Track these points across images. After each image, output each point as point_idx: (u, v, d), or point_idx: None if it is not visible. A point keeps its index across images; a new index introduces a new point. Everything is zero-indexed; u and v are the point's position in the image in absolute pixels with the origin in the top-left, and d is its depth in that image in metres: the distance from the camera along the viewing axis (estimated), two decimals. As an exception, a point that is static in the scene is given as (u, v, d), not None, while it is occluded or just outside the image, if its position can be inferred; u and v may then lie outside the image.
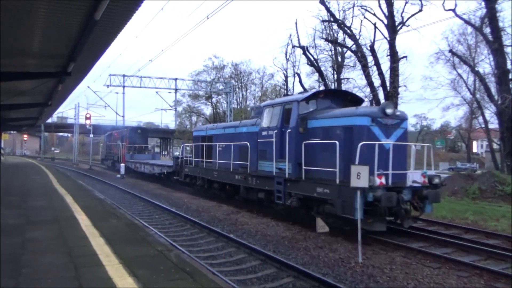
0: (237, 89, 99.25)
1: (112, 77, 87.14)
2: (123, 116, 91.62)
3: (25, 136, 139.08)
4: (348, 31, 49.40)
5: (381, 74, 44.91)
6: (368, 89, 48.78)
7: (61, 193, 22.93)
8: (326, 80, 61.10)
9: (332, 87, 62.70)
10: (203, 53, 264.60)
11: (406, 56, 44.80)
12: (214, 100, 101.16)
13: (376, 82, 46.98)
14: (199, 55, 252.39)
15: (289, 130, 21.75)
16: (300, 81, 63.68)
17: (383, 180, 17.83)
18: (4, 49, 19.19)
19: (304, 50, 57.27)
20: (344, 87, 62.72)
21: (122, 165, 52.29)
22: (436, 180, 19.83)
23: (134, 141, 61.30)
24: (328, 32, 59.14)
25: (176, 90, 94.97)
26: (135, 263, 11.26)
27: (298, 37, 77.86)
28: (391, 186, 18.31)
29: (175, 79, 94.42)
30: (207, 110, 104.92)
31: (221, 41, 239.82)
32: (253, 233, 19.72)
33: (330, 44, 61.73)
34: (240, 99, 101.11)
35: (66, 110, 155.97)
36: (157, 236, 14.43)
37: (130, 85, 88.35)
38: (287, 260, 15.41)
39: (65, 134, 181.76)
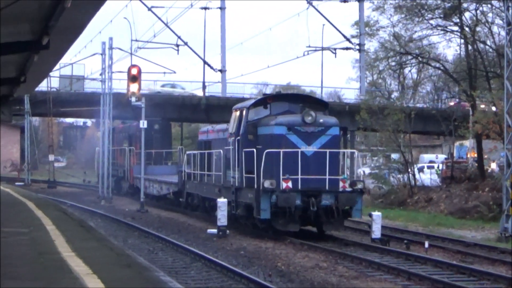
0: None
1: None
2: (221, 70, 49.77)
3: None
4: None
5: None
6: None
7: (79, 274, 9.66)
8: None
9: None
10: None
11: None
12: (467, 16, 39.34)
13: None
14: None
15: (238, 138, 23.29)
16: None
17: (289, 184, 21.04)
18: None
19: None
20: None
21: (223, 201, 23.03)
22: (359, 186, 22.26)
23: (148, 143, 39.47)
24: None
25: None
26: None
27: None
28: (304, 190, 21.22)
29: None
30: (449, 51, 56.94)
31: None
32: None
33: None
34: None
35: (81, 60, 57.05)
36: None
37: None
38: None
39: (80, 121, 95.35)
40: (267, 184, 20.89)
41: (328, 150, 21.60)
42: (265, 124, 22.73)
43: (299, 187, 21.19)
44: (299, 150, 21.38)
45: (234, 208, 23.08)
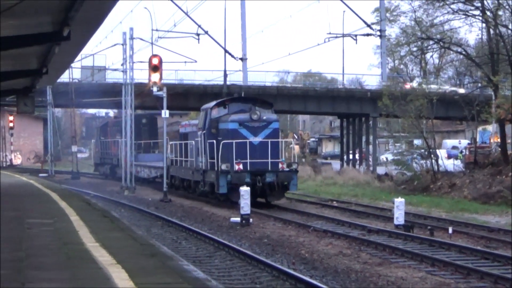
0: None
1: None
2: (241, 59, 48.98)
3: (11, 117, 69.39)
4: None
5: None
6: None
7: (103, 264, 9.87)
8: None
9: None
10: None
11: None
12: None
13: None
14: None
15: (204, 131, 29.80)
16: None
17: (241, 166, 27.42)
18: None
19: None
20: None
21: (245, 190, 23.03)
22: (294, 166, 28.96)
23: (138, 135, 45.47)
24: None
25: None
26: None
27: None
28: (252, 170, 27.57)
29: None
30: (471, 36, 57.17)
31: None
32: None
33: None
34: None
35: (102, 51, 63.22)
36: None
37: None
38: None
39: (102, 112, 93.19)
40: (223, 167, 27.43)
41: (269, 140, 28.15)
42: (223, 121, 29.07)
43: (248, 168, 27.66)
44: (248, 141, 27.86)
45: (202, 185, 30.06)
